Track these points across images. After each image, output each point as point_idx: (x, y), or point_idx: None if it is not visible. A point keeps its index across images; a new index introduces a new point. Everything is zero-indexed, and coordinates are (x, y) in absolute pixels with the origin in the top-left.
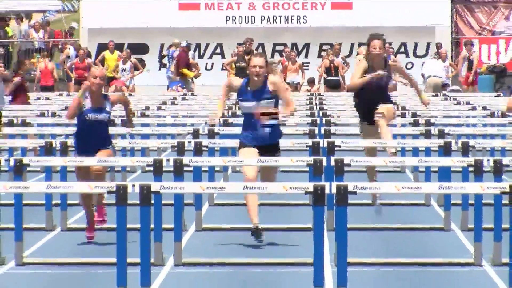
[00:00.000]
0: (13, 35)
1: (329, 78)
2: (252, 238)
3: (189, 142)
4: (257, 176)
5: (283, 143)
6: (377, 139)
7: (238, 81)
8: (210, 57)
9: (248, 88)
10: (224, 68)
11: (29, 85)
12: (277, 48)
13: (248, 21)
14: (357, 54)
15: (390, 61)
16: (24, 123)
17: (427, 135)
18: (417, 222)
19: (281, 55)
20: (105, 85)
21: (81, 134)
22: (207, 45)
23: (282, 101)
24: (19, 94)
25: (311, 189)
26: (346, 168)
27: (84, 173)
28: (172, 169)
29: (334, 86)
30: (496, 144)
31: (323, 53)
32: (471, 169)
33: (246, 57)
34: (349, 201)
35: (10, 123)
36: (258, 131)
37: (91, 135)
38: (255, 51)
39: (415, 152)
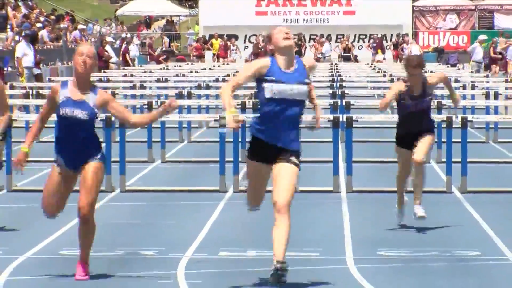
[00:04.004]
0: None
1: (344, 54)
2: (271, 281)
3: None
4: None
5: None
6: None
7: (263, 61)
8: None
9: (280, 68)
10: None
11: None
12: (312, 37)
13: (295, 22)
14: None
15: (428, 78)
16: (166, 80)
17: None
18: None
19: (314, 41)
20: (95, 66)
21: (60, 136)
22: None
23: (309, 97)
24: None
25: (331, 118)
26: (351, 107)
27: (57, 188)
28: (251, 107)
29: (347, 59)
30: (438, 92)
31: (338, 40)
32: None
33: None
34: (354, 126)
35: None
36: (280, 128)
37: (71, 138)
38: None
39: None
